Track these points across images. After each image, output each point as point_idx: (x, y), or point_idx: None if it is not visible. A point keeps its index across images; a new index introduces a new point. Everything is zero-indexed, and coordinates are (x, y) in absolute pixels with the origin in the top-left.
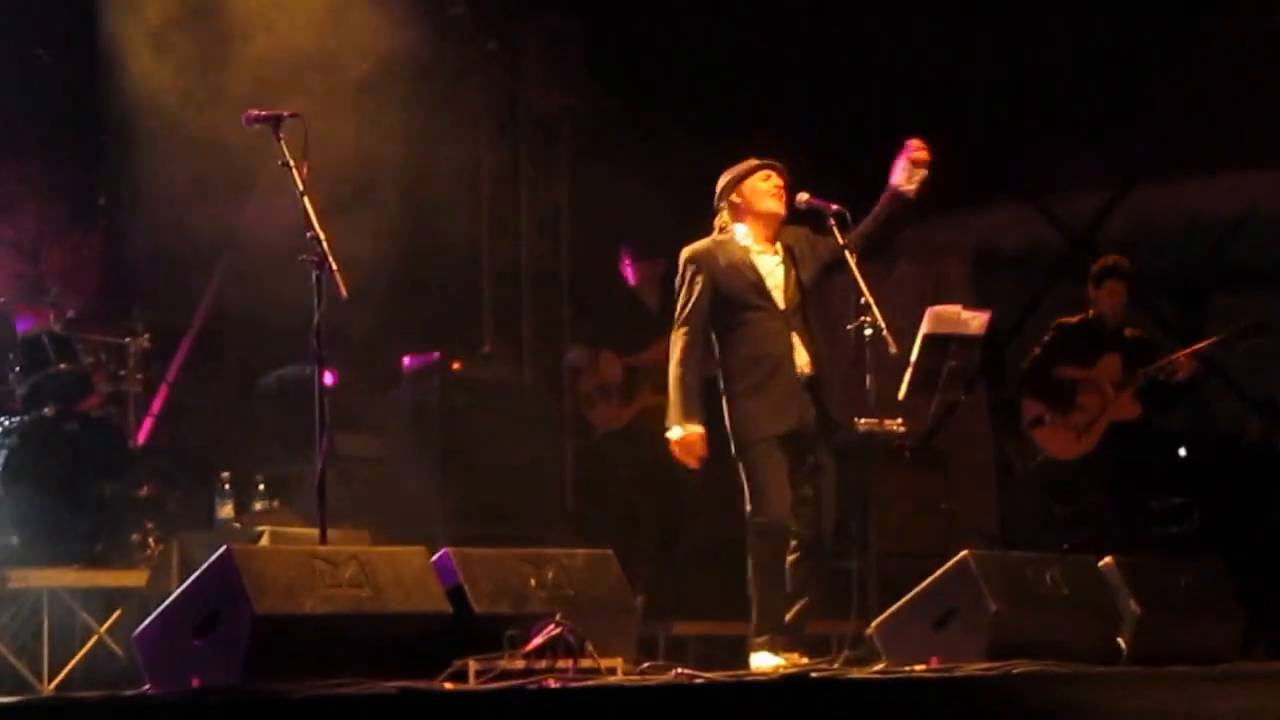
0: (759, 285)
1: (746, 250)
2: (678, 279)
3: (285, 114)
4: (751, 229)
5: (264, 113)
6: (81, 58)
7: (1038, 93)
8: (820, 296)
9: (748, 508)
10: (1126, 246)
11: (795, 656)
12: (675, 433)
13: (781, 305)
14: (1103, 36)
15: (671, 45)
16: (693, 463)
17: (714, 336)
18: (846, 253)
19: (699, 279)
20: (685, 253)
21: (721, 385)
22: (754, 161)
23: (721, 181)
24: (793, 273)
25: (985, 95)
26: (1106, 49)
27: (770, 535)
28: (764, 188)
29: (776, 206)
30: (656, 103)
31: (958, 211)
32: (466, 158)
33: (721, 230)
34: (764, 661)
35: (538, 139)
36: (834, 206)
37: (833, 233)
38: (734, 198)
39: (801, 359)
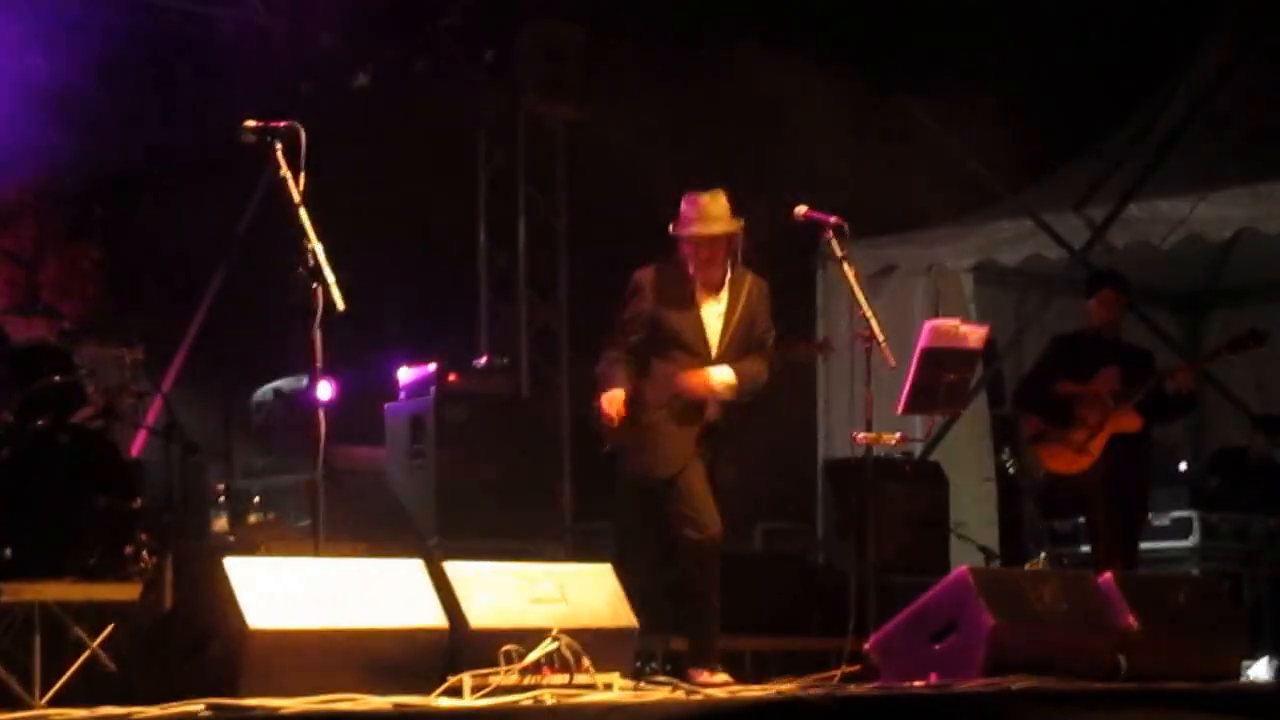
0: (696, 328)
1: (693, 287)
2: (628, 292)
3: (281, 125)
4: (697, 269)
5: (260, 123)
6: (80, 65)
7: (1036, 106)
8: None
9: (688, 532)
10: (1125, 260)
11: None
12: (605, 397)
13: (713, 353)
14: (1102, 51)
15: (669, 54)
16: (614, 415)
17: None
18: (845, 265)
19: (640, 303)
20: (638, 272)
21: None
22: (696, 231)
23: (680, 205)
24: (733, 322)
25: (985, 109)
26: (1106, 64)
27: (712, 553)
28: (696, 251)
29: (706, 271)
30: (654, 112)
31: (957, 225)
32: (464, 168)
33: (674, 255)
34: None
35: (535, 149)
36: (832, 219)
37: (831, 247)
38: (680, 238)
39: (712, 408)
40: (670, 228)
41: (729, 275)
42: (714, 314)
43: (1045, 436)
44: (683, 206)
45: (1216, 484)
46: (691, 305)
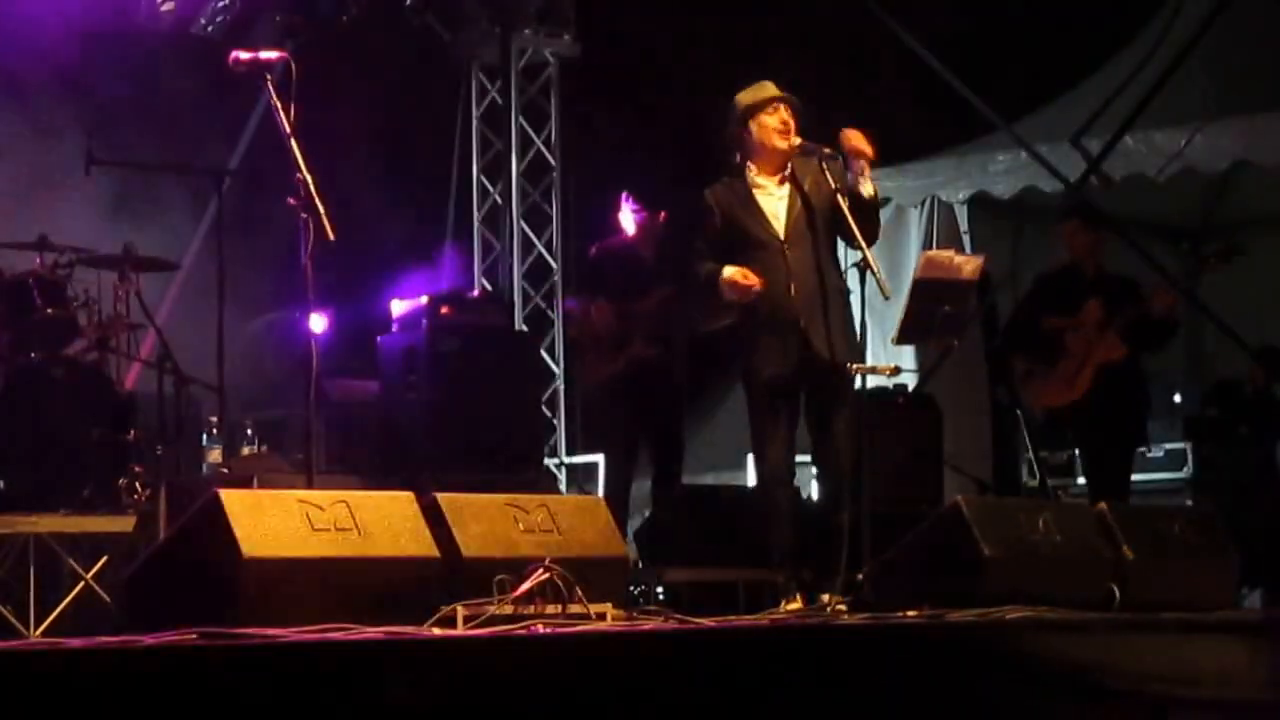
0: (762, 221)
1: (753, 187)
2: (701, 213)
3: (273, 57)
4: (758, 163)
5: (251, 55)
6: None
7: (1033, 38)
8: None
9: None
10: (1121, 193)
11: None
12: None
13: (781, 235)
14: None
15: None
16: (752, 285)
17: None
18: (839, 197)
19: (712, 220)
20: (706, 191)
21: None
22: (764, 95)
23: (734, 109)
24: (797, 206)
25: (981, 40)
26: None
27: (767, 483)
28: (771, 124)
29: (782, 144)
30: (647, 49)
31: (952, 157)
32: (456, 101)
33: (734, 168)
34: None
35: (528, 85)
36: (825, 150)
37: (825, 177)
38: (742, 132)
39: (797, 297)
40: (733, 126)
41: (790, 165)
42: (775, 201)
43: (1035, 373)
44: (739, 96)
45: (1212, 416)
46: (751, 201)
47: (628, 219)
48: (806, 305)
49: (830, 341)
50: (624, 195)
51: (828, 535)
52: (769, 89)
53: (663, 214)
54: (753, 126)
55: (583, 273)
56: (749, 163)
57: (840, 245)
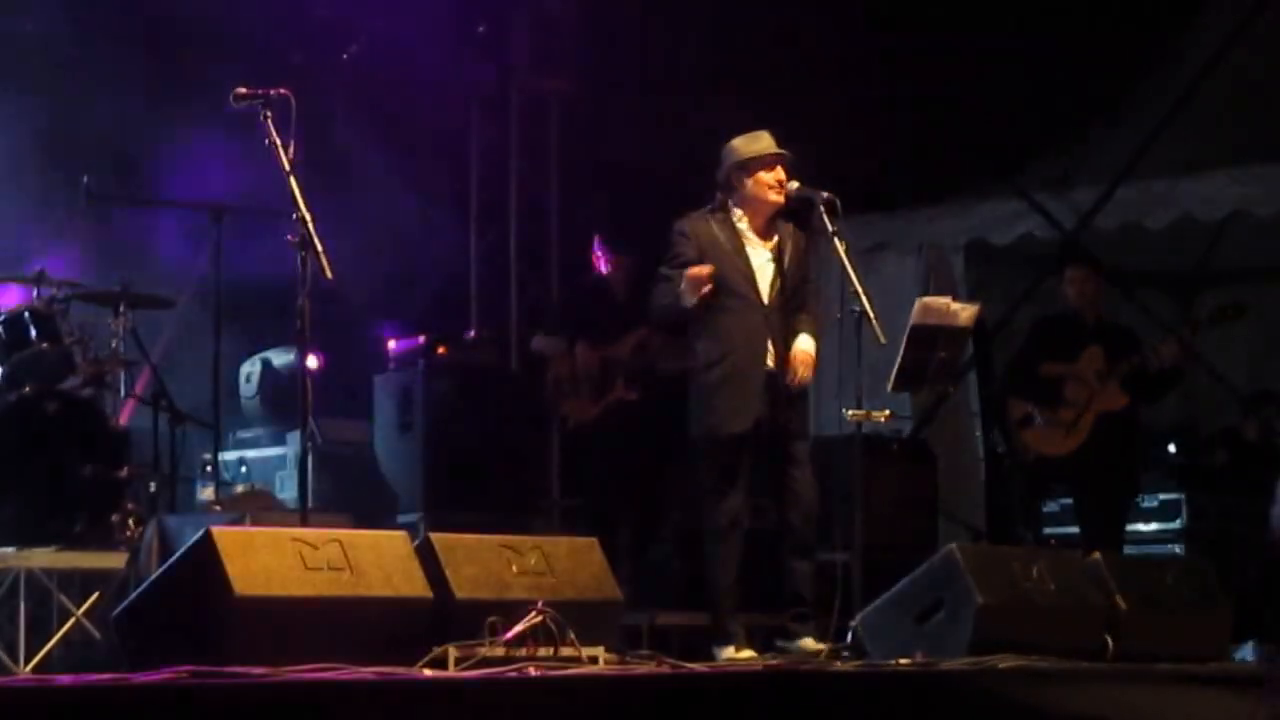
0: (748, 276)
1: (741, 237)
2: (672, 241)
3: (272, 92)
4: (748, 215)
5: (250, 91)
6: (71, 30)
7: (1031, 87)
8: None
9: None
10: (1117, 242)
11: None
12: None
13: (765, 300)
14: (1094, 33)
15: (662, 28)
16: (705, 280)
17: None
18: (836, 240)
19: (685, 248)
20: (681, 221)
21: (690, 370)
22: (763, 149)
23: (729, 156)
24: (781, 269)
25: (979, 88)
26: (1097, 46)
27: (722, 531)
28: (767, 180)
29: (777, 199)
30: (646, 87)
31: (949, 204)
32: (455, 140)
33: (719, 208)
34: (720, 654)
35: (527, 122)
36: (824, 195)
37: (823, 222)
38: (735, 181)
39: (771, 358)
40: (726, 172)
41: (774, 222)
42: (763, 260)
43: (1032, 418)
44: (735, 144)
45: (1206, 466)
46: (739, 251)
47: (600, 260)
48: (782, 367)
49: (789, 404)
50: (596, 237)
51: (807, 582)
52: (767, 142)
53: (636, 257)
54: (748, 181)
55: (554, 313)
56: (738, 209)
57: (839, 288)
